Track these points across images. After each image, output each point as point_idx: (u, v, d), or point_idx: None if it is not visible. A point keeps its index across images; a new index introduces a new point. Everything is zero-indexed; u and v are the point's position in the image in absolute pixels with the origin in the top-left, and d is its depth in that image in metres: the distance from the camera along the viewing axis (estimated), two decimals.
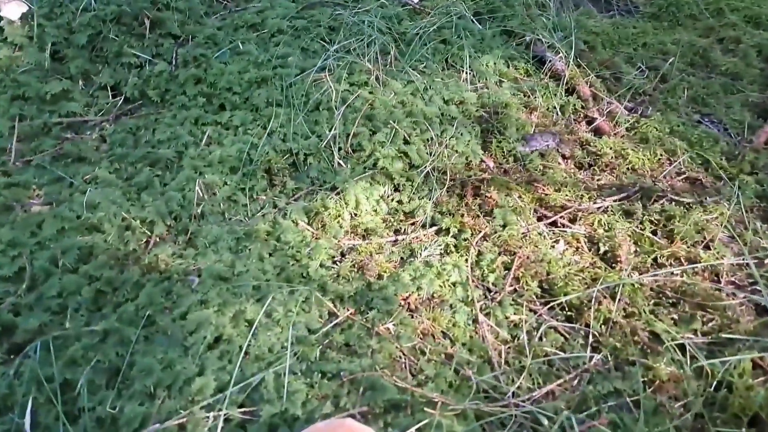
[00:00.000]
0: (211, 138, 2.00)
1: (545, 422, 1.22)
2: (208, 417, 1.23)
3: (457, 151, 1.93)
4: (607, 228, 1.71)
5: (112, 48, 2.28)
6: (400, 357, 1.38)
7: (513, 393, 1.31)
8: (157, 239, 1.70)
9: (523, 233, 1.68)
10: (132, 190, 1.82)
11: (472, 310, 1.50)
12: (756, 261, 1.57)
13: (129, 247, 1.63)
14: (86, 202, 1.72)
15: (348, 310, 1.49)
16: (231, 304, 1.46)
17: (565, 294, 1.49)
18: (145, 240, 1.69)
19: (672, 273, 1.54)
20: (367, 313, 1.48)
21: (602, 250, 1.65)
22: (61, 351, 1.34)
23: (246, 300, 1.48)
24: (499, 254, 1.63)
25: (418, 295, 1.52)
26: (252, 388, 1.29)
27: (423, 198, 1.82)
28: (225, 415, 1.23)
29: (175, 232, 1.73)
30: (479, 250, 1.65)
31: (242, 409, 1.25)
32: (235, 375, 1.31)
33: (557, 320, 1.47)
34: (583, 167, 2.02)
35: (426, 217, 1.76)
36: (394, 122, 1.94)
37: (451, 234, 1.70)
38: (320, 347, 1.40)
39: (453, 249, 1.66)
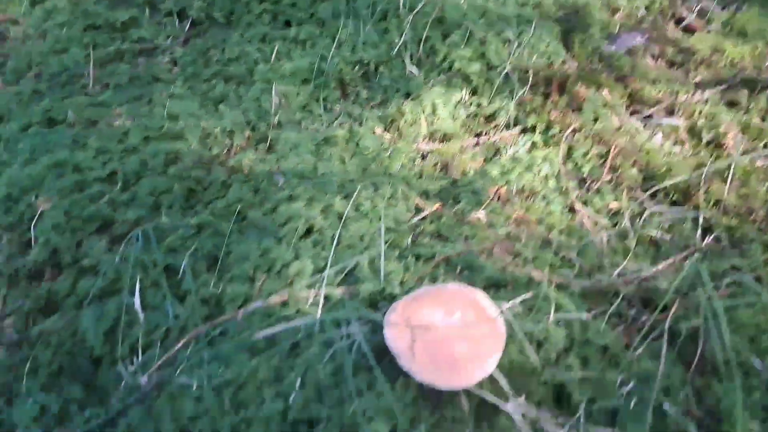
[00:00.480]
0: (280, 53, 1.97)
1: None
2: (308, 295, 1.22)
3: (537, 51, 1.83)
4: (709, 118, 1.59)
5: None
6: (496, 246, 1.33)
7: (618, 274, 1.24)
8: (238, 147, 1.69)
9: (617, 127, 1.59)
10: (209, 103, 1.82)
11: (567, 200, 1.43)
12: None
13: (212, 152, 1.63)
14: (167, 114, 1.73)
15: (435, 204, 1.45)
16: (318, 199, 1.44)
17: (669, 178, 1.39)
18: (226, 149, 1.68)
19: None
20: (456, 206, 1.43)
21: (705, 139, 1.54)
22: (161, 240, 1.35)
23: (333, 195, 1.45)
24: (593, 146, 1.54)
25: (508, 188, 1.46)
26: (348, 272, 1.27)
27: (504, 99, 1.74)
28: (325, 293, 1.22)
29: (254, 141, 1.71)
30: (570, 145, 1.56)
31: (341, 288, 1.24)
32: (330, 260, 1.29)
33: (662, 206, 1.38)
34: (676, 64, 1.89)
35: (509, 118, 1.69)
36: (468, 24, 1.85)
37: (538, 131, 1.63)
38: (411, 236, 1.36)
39: (542, 144, 1.58)
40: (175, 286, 1.30)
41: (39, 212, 1.39)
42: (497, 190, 1.46)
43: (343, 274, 1.27)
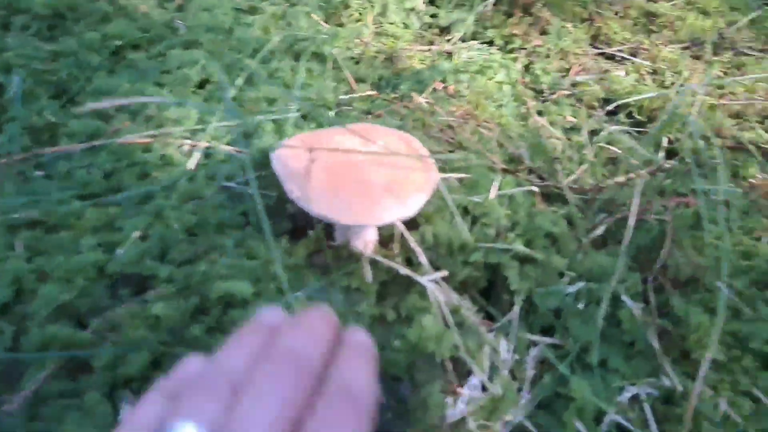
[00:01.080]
0: None
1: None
2: (184, 144, 0.92)
3: None
4: (673, 63, 1.45)
5: None
6: (434, 129, 1.10)
7: (575, 180, 1.04)
8: None
9: (582, 52, 1.42)
10: None
11: (522, 108, 1.22)
12: None
13: None
14: None
15: (371, 90, 1.20)
16: (226, 55, 1.15)
17: (635, 96, 1.22)
18: None
19: (753, 100, 1.29)
20: (395, 93, 1.19)
21: (668, 81, 1.39)
22: None
23: (245, 56, 1.17)
24: (555, 61, 1.35)
25: (458, 86, 1.24)
26: (244, 132, 0.99)
27: (463, 12, 1.53)
28: (209, 146, 0.93)
29: None
30: (530, 60, 1.37)
31: (232, 147, 0.95)
32: (222, 114, 1.00)
33: (624, 125, 1.21)
34: (639, 25, 1.76)
35: (466, 31, 1.48)
36: None
37: (497, 46, 1.43)
38: (336, 109, 1.10)
39: (500, 55, 1.38)
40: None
41: None
42: (446, 86, 1.23)
43: (236, 135, 0.98)
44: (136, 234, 0.80)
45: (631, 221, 0.89)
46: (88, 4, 1.21)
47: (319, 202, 0.67)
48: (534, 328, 0.79)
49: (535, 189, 0.91)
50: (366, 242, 0.82)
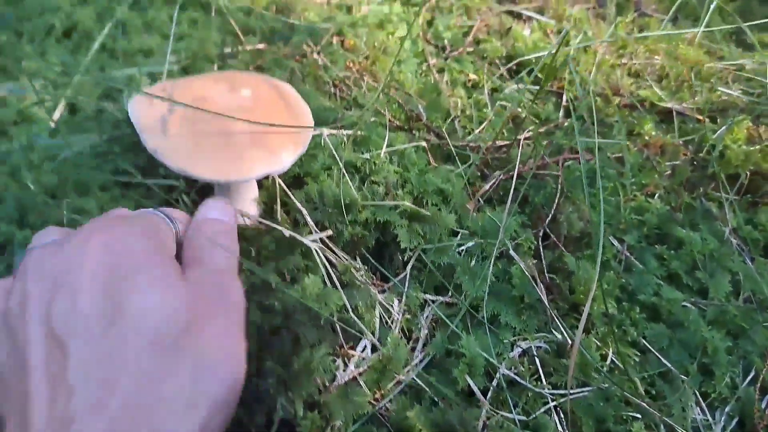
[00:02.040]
0: None
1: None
2: (45, 99, 0.81)
3: None
4: (579, 23, 1.45)
5: None
6: (328, 85, 1.03)
7: (474, 139, 1.00)
8: None
9: (486, 9, 1.38)
10: None
11: (422, 63, 1.18)
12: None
13: None
14: None
15: (260, 42, 1.12)
16: (95, 2, 1.03)
17: (535, 53, 1.20)
18: None
19: (651, 60, 1.31)
20: (285, 47, 1.11)
21: (574, 42, 1.39)
22: None
23: (118, 3, 1.05)
24: (457, 18, 1.31)
25: (356, 41, 1.17)
26: (115, 87, 0.88)
27: None
28: (73, 102, 0.82)
29: None
30: (432, 16, 1.32)
31: (101, 103, 0.85)
32: (88, 65, 0.89)
33: (524, 84, 1.18)
34: None
35: None
36: None
37: (398, 1, 1.36)
38: (219, 62, 1.01)
39: (401, 10, 1.32)
40: None
41: None
42: (342, 40, 1.16)
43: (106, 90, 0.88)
44: None
45: (516, 176, 0.87)
46: None
47: (177, 156, 0.59)
48: (427, 286, 0.76)
49: (425, 145, 0.87)
50: (247, 202, 0.75)
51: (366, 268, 0.75)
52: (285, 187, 0.74)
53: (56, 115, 0.84)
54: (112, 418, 0.37)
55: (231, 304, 0.50)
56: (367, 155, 0.80)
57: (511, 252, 0.75)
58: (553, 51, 1.10)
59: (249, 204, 0.75)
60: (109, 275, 0.43)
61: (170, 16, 1.05)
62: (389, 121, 0.92)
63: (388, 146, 0.83)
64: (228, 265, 0.54)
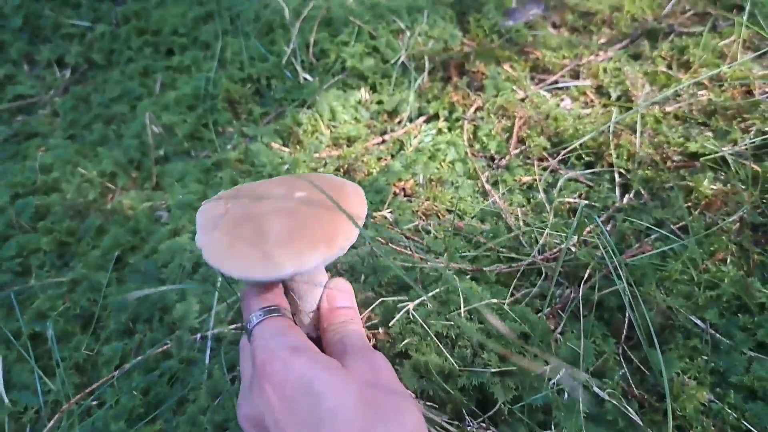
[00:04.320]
0: (164, 84, 1.83)
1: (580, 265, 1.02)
2: (195, 338, 1.05)
3: (432, 38, 1.73)
4: (614, 74, 1.50)
5: (50, 23, 2.12)
6: (402, 241, 1.19)
7: (539, 251, 1.11)
8: (122, 190, 1.53)
9: (521, 98, 1.48)
10: (87, 148, 1.66)
11: (477, 183, 1.30)
12: None
13: (89, 197, 1.46)
14: (39, 167, 1.56)
15: None
16: None
17: (578, 139, 1.28)
18: (110, 195, 1.52)
19: (696, 95, 1.33)
20: None
21: (614, 96, 1.44)
22: (27, 305, 1.18)
23: None
24: (497, 121, 1.43)
25: (414, 181, 1.33)
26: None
27: (404, 91, 1.62)
28: (214, 334, 1.06)
29: (140, 180, 1.56)
30: (475, 125, 1.45)
31: (235, 326, 1.08)
32: (218, 296, 1.13)
33: (575, 171, 1.27)
34: (578, 30, 1.80)
35: (411, 109, 1.57)
36: (356, 20, 1.75)
37: (441, 118, 1.51)
38: None
39: (446, 130, 1.46)
40: (45, 356, 1.13)
41: None
42: (403, 185, 1.33)
43: (234, 308, 1.11)
44: None
45: (582, 289, 0.97)
46: (82, 224, 1.37)
47: (213, 253, 0.64)
48: (531, 426, 0.88)
49: (498, 303, 0.99)
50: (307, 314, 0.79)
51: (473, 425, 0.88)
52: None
53: (206, 353, 1.07)
54: None
55: None
56: (450, 321, 0.94)
57: (595, 389, 0.85)
58: (593, 134, 1.19)
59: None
60: None
61: None
62: (460, 269, 1.06)
63: (465, 303, 0.96)
64: None
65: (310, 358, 0.62)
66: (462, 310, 0.96)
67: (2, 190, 1.50)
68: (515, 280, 1.06)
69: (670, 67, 1.50)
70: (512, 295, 1.04)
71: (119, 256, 1.28)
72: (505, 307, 0.98)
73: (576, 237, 1.08)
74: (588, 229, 1.12)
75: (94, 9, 2.14)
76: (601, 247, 0.97)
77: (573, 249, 1.06)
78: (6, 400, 1.08)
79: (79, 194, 1.47)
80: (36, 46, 2.11)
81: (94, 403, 1.05)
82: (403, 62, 1.66)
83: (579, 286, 1.00)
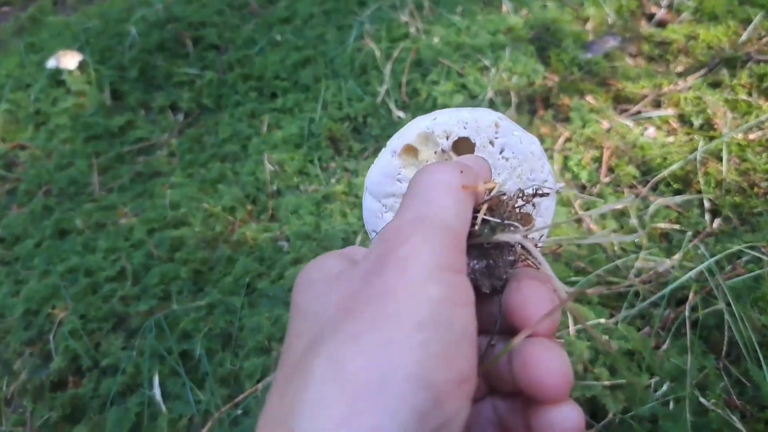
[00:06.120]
0: (270, 124, 2.03)
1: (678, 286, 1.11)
2: None
3: (516, 73, 1.86)
4: (695, 103, 1.57)
5: (162, 73, 2.39)
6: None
7: (635, 274, 1.20)
8: (241, 222, 1.72)
9: (606, 129, 1.58)
10: (207, 185, 1.87)
11: (571, 210, 1.41)
12: None
13: (216, 230, 1.66)
14: (169, 203, 1.78)
15: None
16: None
17: (666, 168, 1.37)
18: (229, 226, 1.72)
19: None
20: None
21: (696, 124, 1.52)
22: (174, 327, 1.37)
23: (338, 249, 1.46)
24: (586, 151, 1.53)
25: None
26: None
27: None
28: None
29: (256, 213, 1.75)
30: (564, 155, 1.56)
31: None
32: None
33: (665, 197, 1.35)
34: (655, 59, 1.89)
35: None
36: (444, 60, 1.90)
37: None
38: None
39: None
40: (193, 371, 1.31)
41: (57, 321, 1.43)
42: None
43: None
44: None
45: (688, 309, 1.05)
46: (214, 254, 1.57)
47: None
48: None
49: (605, 322, 1.09)
50: None
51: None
52: None
53: None
54: None
55: None
56: (561, 340, 1.05)
57: (701, 399, 0.94)
58: (680, 163, 1.27)
59: None
60: None
61: None
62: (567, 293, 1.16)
63: (575, 324, 1.07)
64: None
65: None
66: (571, 329, 1.07)
67: (139, 225, 1.72)
68: (615, 301, 1.16)
69: (750, 94, 1.57)
70: (612, 316, 1.14)
71: (249, 282, 1.46)
72: (611, 326, 1.08)
73: (675, 259, 1.17)
74: (682, 253, 1.20)
75: (201, 58, 2.40)
76: (704, 269, 1.05)
77: (672, 271, 1.15)
78: (164, 409, 1.26)
79: (206, 227, 1.67)
80: (151, 93, 2.38)
81: (239, 412, 1.22)
82: (490, 98, 1.79)
83: (678, 307, 1.09)
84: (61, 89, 2.41)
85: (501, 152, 0.54)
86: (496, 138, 0.54)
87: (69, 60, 2.42)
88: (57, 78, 2.44)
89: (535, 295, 0.41)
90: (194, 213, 1.73)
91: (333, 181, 1.78)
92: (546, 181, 0.56)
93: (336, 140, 1.90)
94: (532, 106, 1.76)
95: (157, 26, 2.49)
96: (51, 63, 2.40)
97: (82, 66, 2.45)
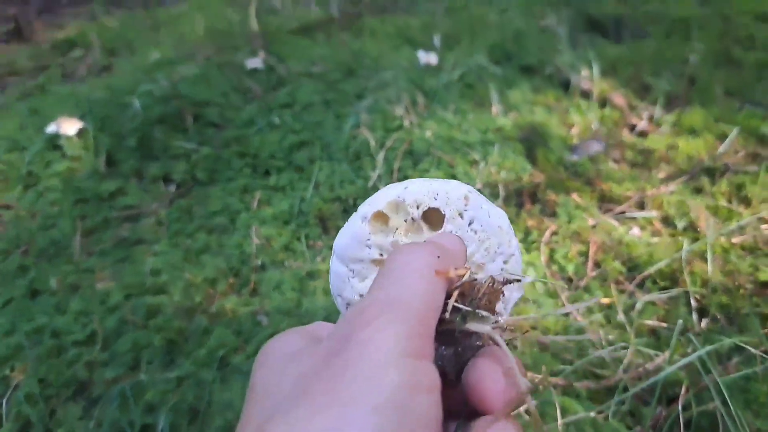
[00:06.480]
0: (261, 201, 2.04)
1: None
2: None
3: (504, 168, 1.92)
4: (679, 206, 1.62)
5: (160, 144, 2.43)
6: None
7: (624, 370, 1.18)
8: (221, 294, 1.68)
9: (592, 225, 1.61)
10: (192, 255, 1.84)
11: (557, 302, 1.40)
12: None
13: (195, 300, 1.61)
14: (150, 270, 1.74)
15: None
16: None
17: (652, 265, 1.38)
18: (210, 297, 1.67)
19: (759, 229, 1.43)
20: None
21: (680, 226, 1.56)
22: (139, 398, 1.29)
23: None
24: (572, 245, 1.55)
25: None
26: None
27: None
28: None
29: (238, 285, 1.71)
30: (551, 248, 1.57)
31: None
32: None
33: (652, 294, 1.35)
34: (638, 165, 1.97)
35: None
36: (436, 151, 1.96)
37: (518, 240, 1.64)
38: None
39: (524, 251, 1.59)
40: None
41: (13, 385, 1.34)
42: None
43: None
44: None
45: (681, 407, 1.02)
46: (190, 324, 1.51)
47: None
48: None
49: (595, 415, 1.05)
50: None
51: None
52: None
53: None
54: None
55: None
56: None
57: None
58: (666, 261, 1.29)
59: None
60: None
61: None
62: (554, 385, 1.13)
63: (561, 416, 1.03)
64: None
65: None
66: (559, 422, 1.02)
67: (117, 290, 1.67)
68: (605, 396, 1.12)
69: (730, 201, 1.62)
70: (601, 412, 1.09)
71: (223, 355, 1.40)
72: (600, 421, 1.03)
73: (666, 355, 1.14)
74: (671, 350, 1.18)
75: (200, 134, 2.45)
76: (697, 362, 1.03)
77: (663, 366, 1.12)
78: None
79: (185, 297, 1.62)
80: (146, 163, 2.40)
81: None
82: (479, 189, 1.83)
83: (669, 405, 1.05)
84: (57, 153, 2.43)
85: (470, 224, 0.55)
86: (465, 210, 0.55)
87: (69, 126, 2.46)
88: (54, 142, 2.47)
89: (492, 373, 0.42)
90: (175, 282, 1.69)
91: (318, 259, 1.76)
92: (513, 255, 0.57)
93: (325, 219, 1.91)
94: (519, 200, 1.80)
95: (161, 101, 2.56)
96: (51, 128, 2.44)
97: (81, 133, 2.48)
